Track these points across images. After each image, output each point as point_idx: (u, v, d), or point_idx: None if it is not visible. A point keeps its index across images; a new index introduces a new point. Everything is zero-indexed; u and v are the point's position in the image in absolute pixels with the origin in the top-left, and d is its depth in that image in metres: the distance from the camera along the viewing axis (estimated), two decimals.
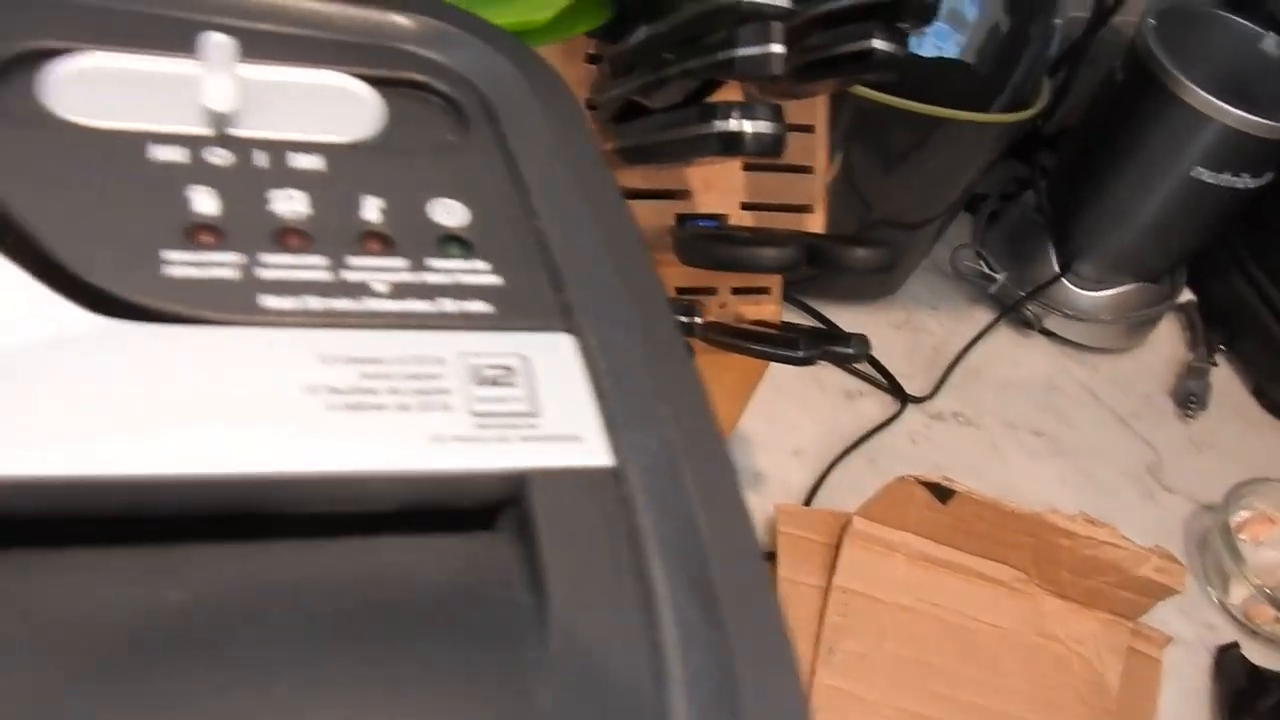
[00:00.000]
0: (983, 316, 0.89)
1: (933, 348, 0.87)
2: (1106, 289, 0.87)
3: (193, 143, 0.22)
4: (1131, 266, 0.86)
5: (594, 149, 0.24)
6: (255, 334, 0.19)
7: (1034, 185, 0.88)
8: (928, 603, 0.70)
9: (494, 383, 0.20)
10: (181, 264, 0.20)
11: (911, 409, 0.82)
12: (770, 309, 0.65)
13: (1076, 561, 0.70)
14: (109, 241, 0.19)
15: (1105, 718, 0.70)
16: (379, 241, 0.21)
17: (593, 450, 0.19)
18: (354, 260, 0.21)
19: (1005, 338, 0.90)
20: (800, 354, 0.53)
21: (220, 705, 0.15)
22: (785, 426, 0.78)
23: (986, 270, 0.88)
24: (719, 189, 0.61)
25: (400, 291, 0.20)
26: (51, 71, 0.22)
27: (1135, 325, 0.90)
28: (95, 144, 0.21)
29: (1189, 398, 0.90)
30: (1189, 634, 0.78)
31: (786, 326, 0.63)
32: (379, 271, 0.21)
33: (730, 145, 0.43)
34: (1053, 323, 0.89)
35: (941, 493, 0.67)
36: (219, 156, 0.22)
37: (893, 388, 0.81)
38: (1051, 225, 0.87)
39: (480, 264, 0.22)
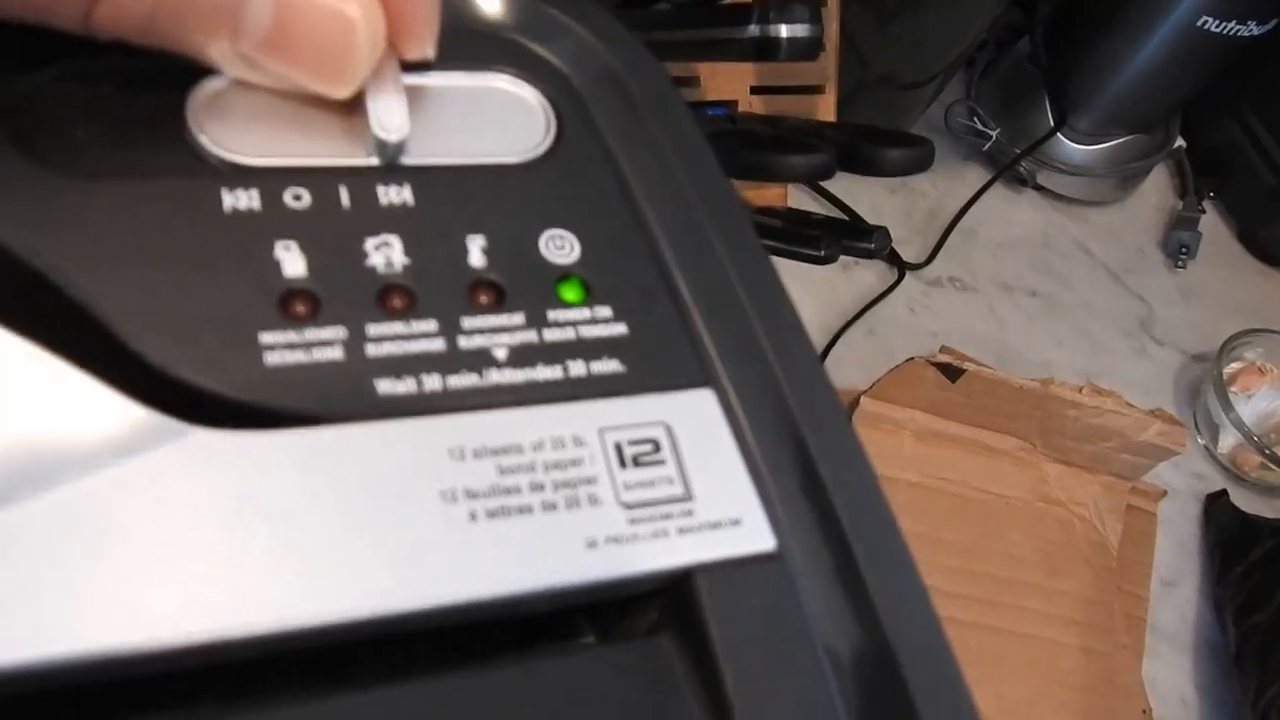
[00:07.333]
0: (976, 175, 0.87)
1: (928, 211, 0.85)
2: (1101, 142, 0.85)
3: (269, 181, 0.18)
4: (1128, 118, 0.84)
5: (703, 140, 0.21)
6: (375, 430, 0.16)
7: (1030, 33, 0.84)
8: (935, 478, 0.70)
9: (640, 463, 0.17)
10: (281, 347, 0.17)
11: (909, 276, 0.80)
12: (776, 193, 0.63)
13: (1081, 430, 0.70)
14: (194, 321, 0.17)
15: (1106, 575, 0.72)
16: (490, 292, 0.18)
17: (755, 534, 0.17)
18: (468, 321, 0.18)
19: (998, 196, 0.88)
20: (822, 253, 0.51)
21: None
22: None
23: (980, 127, 0.85)
24: (725, 73, 0.57)
25: (523, 356, 0.18)
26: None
27: (1127, 177, 0.89)
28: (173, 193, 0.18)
29: (1180, 248, 0.89)
30: (1179, 484, 0.80)
31: (794, 215, 0.60)
32: (497, 332, 0.18)
33: (767, 51, 0.40)
34: (1045, 178, 0.87)
35: (951, 372, 0.66)
36: (295, 197, 0.18)
37: (890, 256, 0.80)
38: (1047, 76, 0.84)
39: (602, 309, 0.19)
